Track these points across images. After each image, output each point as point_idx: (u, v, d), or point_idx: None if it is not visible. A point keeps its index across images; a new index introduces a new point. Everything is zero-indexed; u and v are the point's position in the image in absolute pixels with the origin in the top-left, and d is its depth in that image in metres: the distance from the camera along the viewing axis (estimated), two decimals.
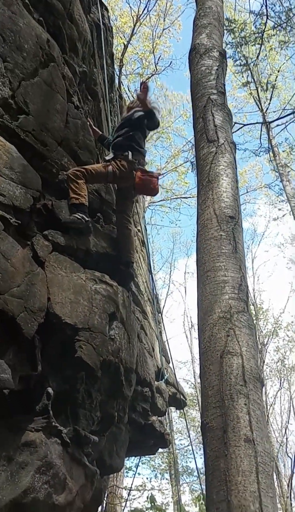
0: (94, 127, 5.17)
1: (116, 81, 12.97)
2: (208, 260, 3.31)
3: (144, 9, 16.19)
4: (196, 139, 4.27)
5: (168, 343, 8.23)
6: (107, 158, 4.74)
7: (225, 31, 12.71)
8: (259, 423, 2.52)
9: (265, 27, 11.03)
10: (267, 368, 21.21)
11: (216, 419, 2.60)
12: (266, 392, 20.83)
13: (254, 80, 16.36)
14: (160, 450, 10.08)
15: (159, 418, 6.26)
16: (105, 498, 10.57)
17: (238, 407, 2.54)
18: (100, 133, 5.38)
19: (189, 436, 13.49)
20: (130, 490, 11.63)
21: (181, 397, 7.27)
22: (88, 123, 4.81)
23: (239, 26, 12.77)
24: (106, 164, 4.59)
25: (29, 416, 3.28)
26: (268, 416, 19.45)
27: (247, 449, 2.39)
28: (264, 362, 20.42)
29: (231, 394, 2.60)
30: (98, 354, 3.64)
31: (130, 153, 4.69)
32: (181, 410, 7.86)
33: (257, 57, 12.57)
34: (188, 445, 17.88)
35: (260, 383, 2.72)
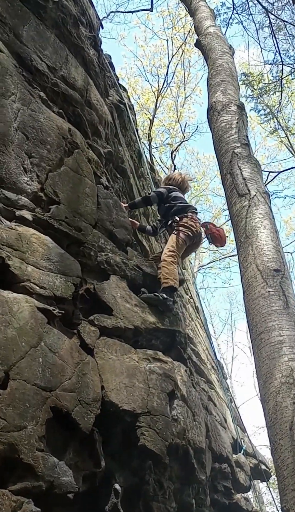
0: (133, 220, 5.34)
1: (147, 154, 13.45)
2: (259, 321, 3.10)
3: (163, 83, 17.08)
4: (227, 196, 4.17)
5: (240, 410, 7.78)
6: (171, 221, 5.03)
7: (244, 85, 13.11)
8: None
9: (282, 73, 11.24)
10: None
11: None
12: None
13: (281, 126, 16.57)
14: None
15: (244, 494, 5.79)
16: None
17: None
18: (138, 223, 5.56)
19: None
20: None
21: (264, 467, 6.75)
22: (121, 204, 4.91)
23: (257, 77, 13.15)
24: (175, 233, 4.83)
25: None
26: None
27: None
28: None
29: None
30: (163, 438, 3.41)
31: (190, 213, 5.04)
32: (267, 482, 7.27)
33: (280, 103, 12.76)
34: None
35: None
